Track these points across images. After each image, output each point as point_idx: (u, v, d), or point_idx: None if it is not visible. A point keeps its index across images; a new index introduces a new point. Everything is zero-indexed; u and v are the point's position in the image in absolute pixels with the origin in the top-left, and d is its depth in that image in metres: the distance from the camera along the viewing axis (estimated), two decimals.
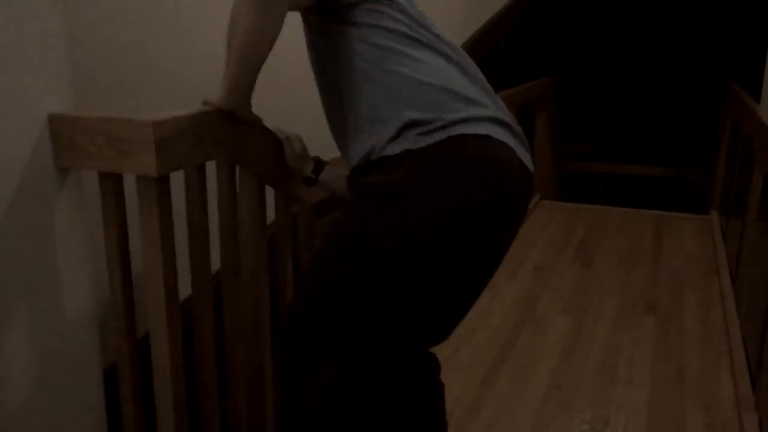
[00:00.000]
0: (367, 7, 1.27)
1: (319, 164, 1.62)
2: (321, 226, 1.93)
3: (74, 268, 1.30)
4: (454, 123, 1.20)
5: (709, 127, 5.52)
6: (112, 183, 1.32)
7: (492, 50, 4.69)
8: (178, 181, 1.37)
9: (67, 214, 1.28)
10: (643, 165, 6.26)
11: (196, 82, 2.03)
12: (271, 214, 1.70)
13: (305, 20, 1.38)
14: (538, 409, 2.32)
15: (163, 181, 1.26)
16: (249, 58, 1.25)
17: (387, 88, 1.25)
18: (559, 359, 2.65)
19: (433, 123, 1.21)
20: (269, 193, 1.66)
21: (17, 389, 1.22)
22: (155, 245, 1.27)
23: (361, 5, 1.26)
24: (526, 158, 1.28)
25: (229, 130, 1.41)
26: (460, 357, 2.60)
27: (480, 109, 1.24)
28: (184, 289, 1.41)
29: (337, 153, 1.53)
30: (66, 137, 1.23)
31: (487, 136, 1.21)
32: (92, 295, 1.35)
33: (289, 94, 2.70)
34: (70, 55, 1.26)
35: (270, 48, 1.25)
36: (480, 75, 1.33)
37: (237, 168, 1.54)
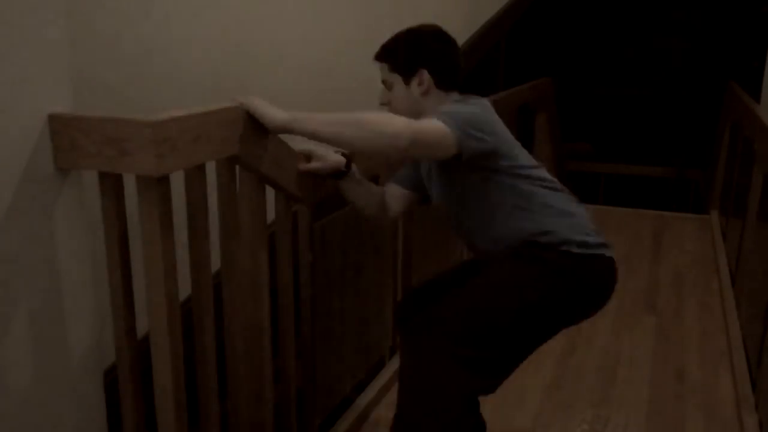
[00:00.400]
0: (507, 162, 1.60)
1: (348, 159, 1.75)
2: (321, 227, 1.93)
3: (74, 268, 1.30)
4: (593, 245, 1.65)
5: (710, 127, 5.52)
6: (112, 183, 1.32)
7: (492, 50, 4.69)
8: (178, 181, 1.36)
9: (67, 214, 1.28)
10: (643, 165, 6.26)
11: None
12: (271, 214, 1.70)
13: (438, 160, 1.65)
14: (538, 409, 2.32)
15: (163, 181, 1.26)
16: (347, 143, 1.46)
17: (542, 216, 1.63)
18: (559, 359, 2.65)
19: (585, 246, 1.63)
20: (269, 193, 1.66)
21: (17, 390, 1.22)
22: (155, 245, 1.27)
23: (504, 161, 1.60)
24: None
25: (230, 130, 1.41)
26: None
27: (600, 236, 1.69)
28: (184, 289, 1.41)
29: None
30: (66, 137, 1.23)
31: (612, 258, 1.68)
32: (92, 295, 1.35)
33: (290, 85, 2.70)
34: (70, 55, 1.26)
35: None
36: None
37: (237, 168, 1.54)
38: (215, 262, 1.53)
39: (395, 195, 1.87)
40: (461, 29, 4.25)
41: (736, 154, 4.03)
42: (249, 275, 1.64)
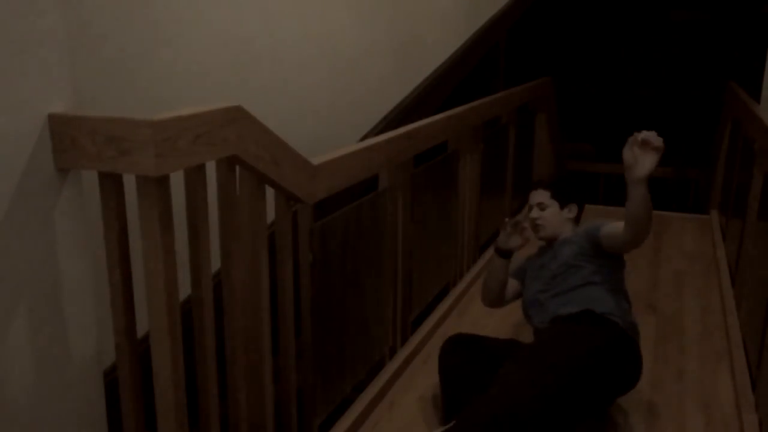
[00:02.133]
0: (618, 261, 2.30)
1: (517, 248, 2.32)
2: (320, 227, 1.93)
3: (74, 268, 1.30)
4: (634, 327, 2.22)
5: (710, 127, 5.52)
6: (112, 183, 1.32)
7: (492, 50, 4.69)
8: (178, 181, 1.37)
9: (67, 214, 1.28)
10: None
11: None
12: (271, 214, 1.70)
13: (585, 256, 2.24)
14: None
15: (163, 181, 1.26)
16: (640, 218, 1.96)
17: (622, 297, 2.26)
18: None
19: (631, 326, 2.19)
20: (269, 193, 1.66)
21: (17, 389, 1.22)
22: (155, 245, 1.27)
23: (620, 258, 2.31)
24: None
25: (230, 130, 1.41)
26: None
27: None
28: (184, 289, 1.41)
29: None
30: (66, 137, 1.23)
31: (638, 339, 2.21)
32: (92, 295, 1.35)
33: (289, 94, 2.70)
34: (70, 55, 1.26)
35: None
36: None
37: (237, 168, 1.54)
38: (215, 262, 1.53)
39: (513, 286, 2.44)
40: (461, 29, 4.25)
41: (736, 154, 4.03)
42: (249, 275, 1.64)
